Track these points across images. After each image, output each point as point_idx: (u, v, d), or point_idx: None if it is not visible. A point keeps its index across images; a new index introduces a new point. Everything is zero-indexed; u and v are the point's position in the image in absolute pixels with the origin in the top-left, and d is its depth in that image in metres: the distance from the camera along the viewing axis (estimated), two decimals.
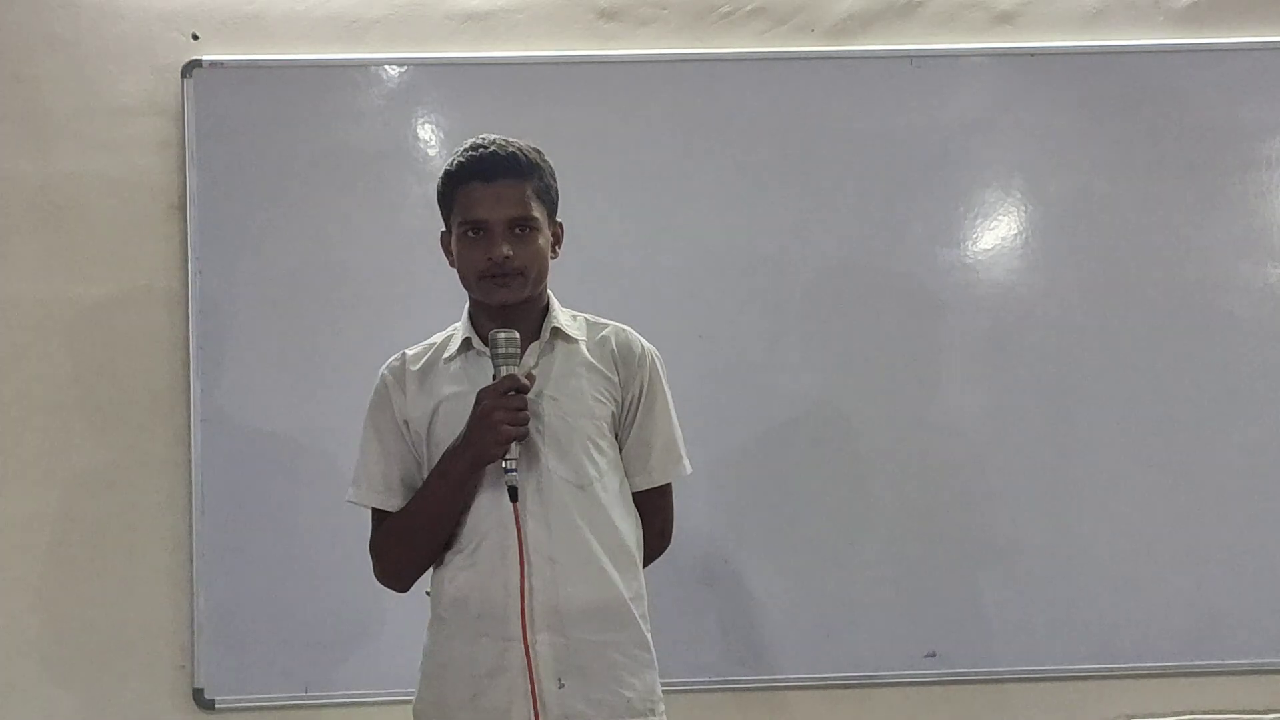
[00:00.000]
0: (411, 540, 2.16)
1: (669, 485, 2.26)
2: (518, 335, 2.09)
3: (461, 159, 2.15)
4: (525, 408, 2.06)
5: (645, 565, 2.21)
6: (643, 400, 2.21)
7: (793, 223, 3.07)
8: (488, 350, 2.11)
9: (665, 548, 2.28)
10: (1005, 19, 3.17)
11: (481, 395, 2.06)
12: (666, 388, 2.24)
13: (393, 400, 2.20)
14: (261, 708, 2.97)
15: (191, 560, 2.98)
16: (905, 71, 3.11)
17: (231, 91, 3.04)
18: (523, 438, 2.07)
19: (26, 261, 3.04)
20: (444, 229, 2.21)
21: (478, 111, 3.04)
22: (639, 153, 3.07)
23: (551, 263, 2.21)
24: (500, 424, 2.03)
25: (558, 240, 2.22)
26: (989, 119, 3.11)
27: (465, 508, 2.11)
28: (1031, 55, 3.13)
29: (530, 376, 2.11)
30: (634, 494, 2.21)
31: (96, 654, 3.00)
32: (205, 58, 3.05)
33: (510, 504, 2.05)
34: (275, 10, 3.10)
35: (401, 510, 2.18)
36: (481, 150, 2.13)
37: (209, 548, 2.97)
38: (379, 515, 2.21)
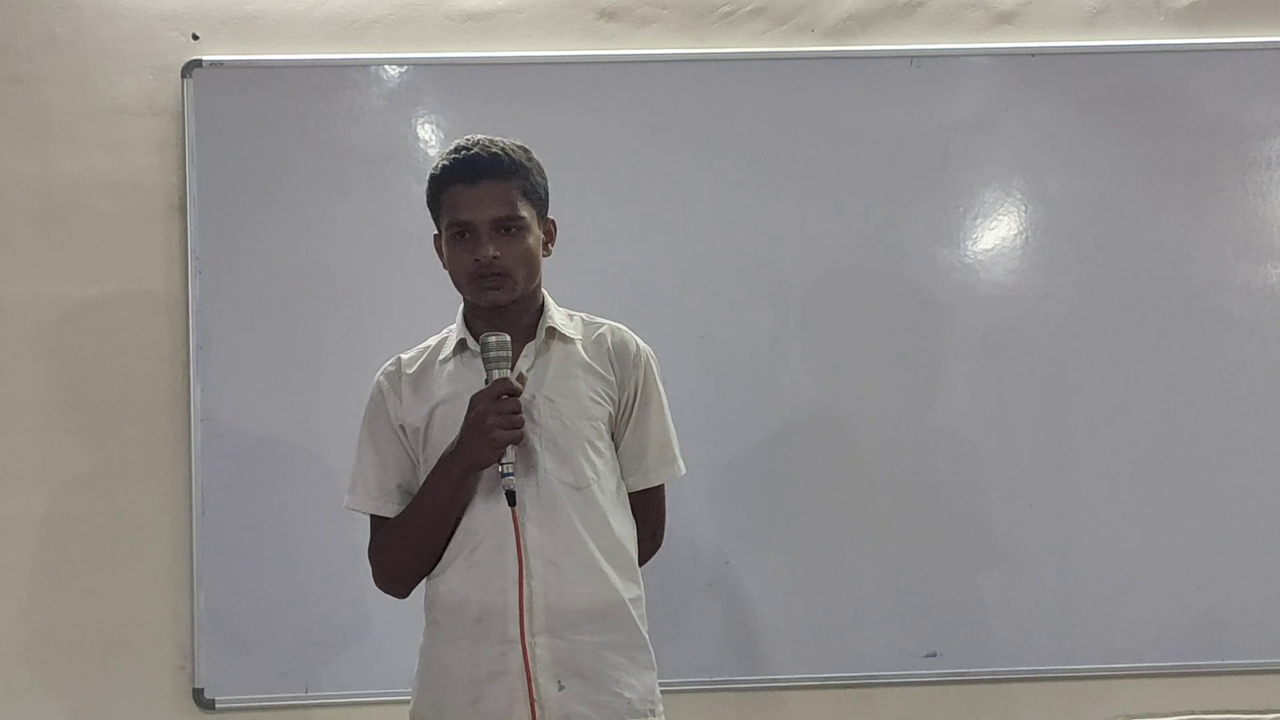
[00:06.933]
0: (410, 545, 2.16)
1: (662, 486, 2.26)
2: (509, 338, 2.09)
3: (445, 161, 2.15)
4: (519, 411, 2.06)
5: (639, 567, 2.21)
6: (638, 400, 2.21)
7: (793, 223, 3.07)
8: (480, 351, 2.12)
9: (657, 549, 2.28)
10: (1005, 19, 3.17)
11: (474, 401, 2.06)
12: (661, 387, 2.24)
13: (388, 405, 2.20)
14: (261, 708, 2.97)
15: (191, 560, 2.98)
16: (905, 71, 3.11)
17: (231, 91, 3.04)
18: (517, 441, 2.06)
19: (26, 262, 3.04)
20: (436, 232, 2.21)
21: (478, 111, 3.04)
22: (639, 153, 3.07)
23: (549, 262, 2.21)
24: (494, 429, 2.03)
25: (550, 238, 2.21)
26: (989, 119, 3.11)
27: (462, 510, 2.11)
28: (1031, 55, 3.13)
29: (522, 379, 2.10)
30: (628, 494, 2.21)
31: (96, 654, 3.00)
32: (205, 58, 3.05)
33: (508, 507, 2.05)
34: (275, 10, 3.10)
35: (398, 516, 2.18)
36: (465, 152, 2.13)
37: (209, 548, 2.97)
38: (377, 521, 2.21)
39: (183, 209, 3.03)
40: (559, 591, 2.08)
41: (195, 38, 3.09)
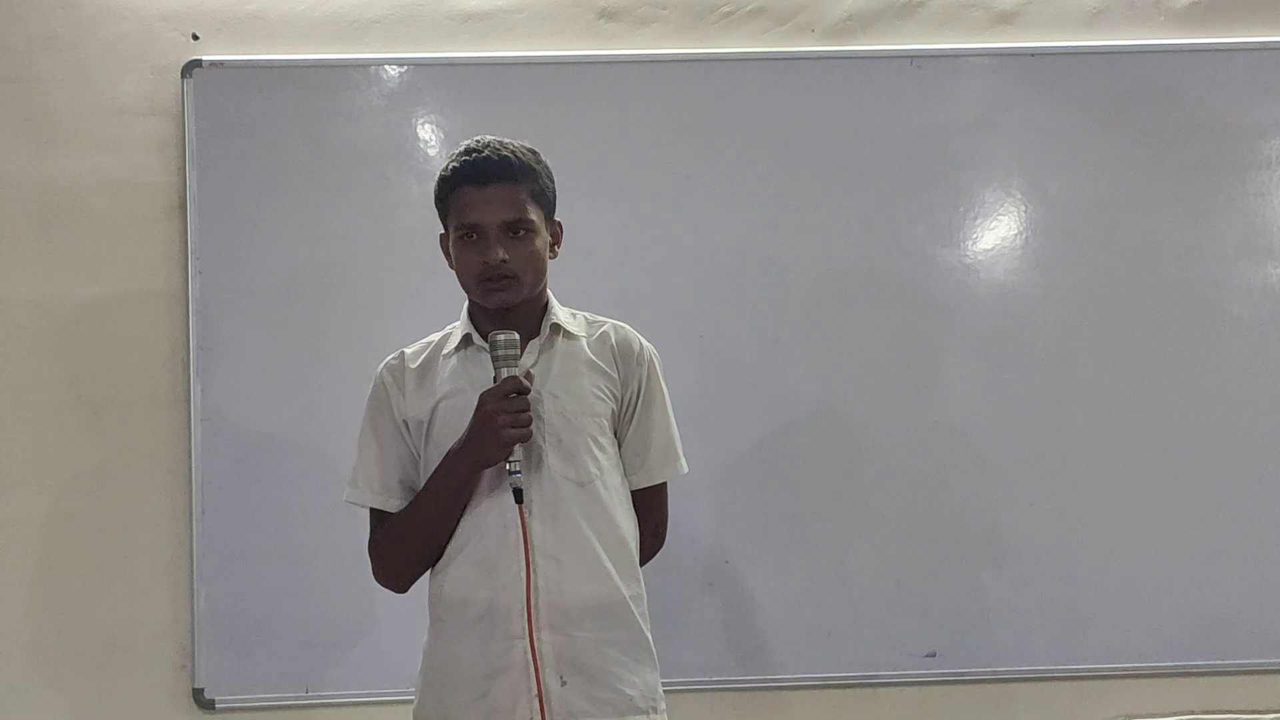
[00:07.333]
0: (412, 541, 2.16)
1: (664, 484, 2.26)
2: (517, 337, 2.09)
3: (455, 163, 2.15)
4: (527, 409, 2.06)
5: (640, 565, 2.21)
6: (641, 398, 2.21)
7: (793, 222, 3.07)
8: (488, 348, 2.12)
9: (659, 547, 2.28)
10: (1005, 19, 3.17)
11: (483, 398, 2.06)
12: (664, 386, 2.25)
13: (391, 400, 2.20)
14: (261, 708, 2.97)
15: (191, 560, 2.98)
16: (905, 71, 3.11)
17: (231, 91, 3.04)
18: (526, 439, 2.06)
19: (26, 261, 3.04)
20: (442, 231, 2.21)
21: (478, 111, 3.04)
22: (639, 153, 3.07)
23: (552, 262, 2.21)
24: (503, 427, 2.04)
25: (557, 240, 2.22)
26: (989, 119, 3.11)
27: (465, 507, 2.11)
28: (1031, 55, 3.13)
29: (529, 376, 2.11)
30: (631, 492, 2.21)
31: (96, 654, 3.00)
32: (205, 58, 3.05)
33: (512, 504, 2.06)
34: (275, 10, 3.10)
35: (402, 511, 2.18)
36: (475, 154, 2.13)
37: (209, 548, 2.97)
38: (378, 516, 2.21)
39: (183, 209, 3.03)
40: (562, 587, 2.08)
41: (195, 38, 3.09)
